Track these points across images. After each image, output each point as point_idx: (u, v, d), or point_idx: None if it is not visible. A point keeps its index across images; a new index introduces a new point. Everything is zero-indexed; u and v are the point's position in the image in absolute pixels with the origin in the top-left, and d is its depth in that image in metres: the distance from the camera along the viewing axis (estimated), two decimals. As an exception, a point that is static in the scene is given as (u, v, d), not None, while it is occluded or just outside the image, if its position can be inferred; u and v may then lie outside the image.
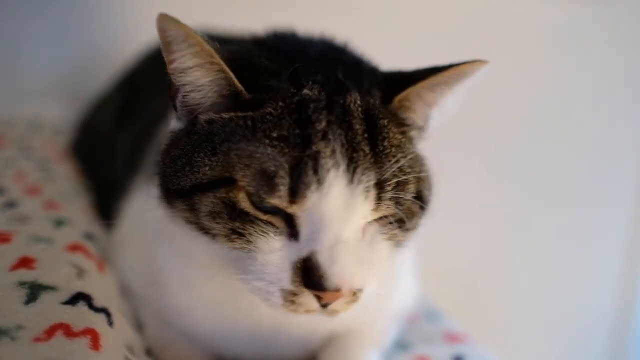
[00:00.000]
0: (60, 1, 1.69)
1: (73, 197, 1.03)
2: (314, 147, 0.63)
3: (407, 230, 0.69)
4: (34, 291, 0.70)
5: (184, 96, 0.70)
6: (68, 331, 0.65)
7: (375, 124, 0.67)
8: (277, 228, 0.65)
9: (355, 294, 0.66)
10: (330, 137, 0.64)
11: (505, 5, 1.84)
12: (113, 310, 0.75)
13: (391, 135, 0.68)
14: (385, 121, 0.69)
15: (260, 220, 0.65)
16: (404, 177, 0.66)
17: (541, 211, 1.97)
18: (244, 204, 0.65)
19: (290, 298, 0.65)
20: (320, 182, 0.62)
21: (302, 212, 0.63)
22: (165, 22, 0.63)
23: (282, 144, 0.63)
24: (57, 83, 1.65)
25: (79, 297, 0.72)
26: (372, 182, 0.64)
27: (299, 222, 0.64)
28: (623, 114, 2.02)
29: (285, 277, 0.65)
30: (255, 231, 0.65)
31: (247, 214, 0.65)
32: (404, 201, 0.67)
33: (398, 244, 0.70)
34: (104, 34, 1.67)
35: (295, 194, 0.62)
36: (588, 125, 1.99)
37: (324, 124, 0.65)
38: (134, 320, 0.85)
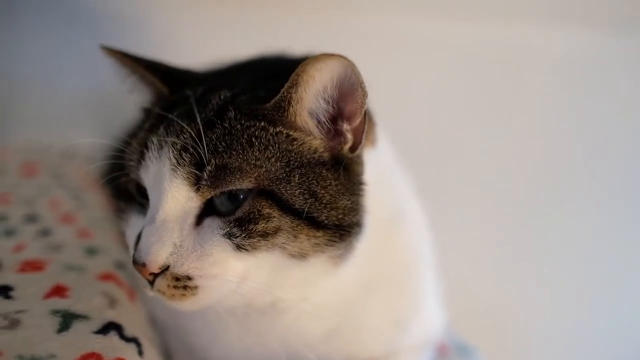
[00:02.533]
0: (95, 30, 1.73)
1: (105, 226, 1.04)
2: (156, 132, 0.71)
3: (252, 233, 0.67)
4: (67, 320, 0.71)
5: None
6: (100, 361, 0.65)
7: (222, 116, 0.70)
8: (144, 208, 0.73)
9: (179, 280, 0.67)
10: (173, 123, 0.70)
11: (520, 32, 1.84)
12: (143, 339, 0.76)
13: (232, 126, 0.69)
14: (233, 114, 0.70)
15: (136, 200, 0.76)
16: (229, 163, 0.67)
17: (571, 238, 1.94)
18: (130, 186, 0.76)
19: (135, 273, 0.70)
20: (147, 159, 0.71)
21: (146, 187, 0.71)
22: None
23: (144, 131, 0.74)
24: (91, 111, 1.68)
25: (110, 327, 0.73)
26: (185, 162, 0.67)
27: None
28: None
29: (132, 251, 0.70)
30: (130, 209, 0.77)
31: (130, 194, 0.77)
32: (226, 185, 0.67)
33: (240, 247, 0.68)
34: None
35: (138, 171, 0.71)
36: (615, 147, 1.96)
37: (175, 113, 0.71)
38: (163, 349, 0.85)
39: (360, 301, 0.81)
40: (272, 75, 0.77)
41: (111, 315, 0.75)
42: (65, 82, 1.68)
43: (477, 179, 1.80)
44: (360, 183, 0.74)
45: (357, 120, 0.72)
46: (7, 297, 0.74)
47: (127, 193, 0.78)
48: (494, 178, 1.83)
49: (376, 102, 0.80)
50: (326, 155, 0.72)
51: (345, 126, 0.72)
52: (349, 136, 0.72)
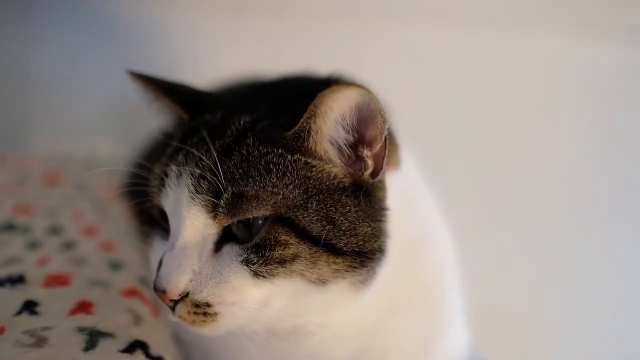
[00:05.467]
0: (116, 39, 1.73)
1: (128, 239, 1.03)
2: (176, 158, 0.72)
3: (269, 260, 0.66)
4: (93, 338, 0.70)
5: None
6: (127, 381, 0.64)
7: (240, 142, 0.69)
8: (167, 233, 0.73)
9: (199, 307, 0.67)
10: (192, 149, 0.70)
11: (531, 42, 1.83)
12: (168, 358, 0.75)
13: (250, 153, 0.69)
14: (251, 140, 0.69)
15: (160, 225, 0.75)
16: (246, 190, 0.66)
17: (591, 251, 1.92)
18: (154, 210, 0.76)
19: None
20: (167, 187, 0.71)
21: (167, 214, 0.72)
22: None
23: (166, 157, 0.75)
24: (112, 121, 1.69)
25: (136, 345, 0.72)
26: (203, 190, 0.67)
27: None
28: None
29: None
30: (154, 233, 0.77)
31: (154, 220, 0.77)
32: (244, 214, 0.66)
33: (257, 273, 0.67)
34: (160, 72, 1.70)
35: (160, 197, 0.72)
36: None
37: (195, 139, 0.72)
38: (186, 368, 0.84)
39: (386, 324, 0.80)
40: (295, 99, 0.76)
41: (137, 333, 0.74)
42: (84, 90, 1.69)
43: (484, 183, 1.79)
44: (383, 209, 0.73)
45: (378, 146, 0.71)
46: (33, 312, 0.74)
47: (150, 218, 0.79)
48: (501, 183, 1.82)
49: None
50: (346, 180, 0.71)
51: (366, 152, 0.71)
52: (370, 162, 0.71)
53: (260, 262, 0.67)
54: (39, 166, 1.26)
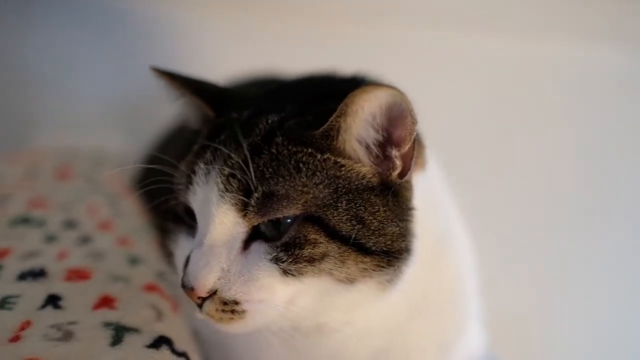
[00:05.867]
0: (123, 33, 1.72)
1: (143, 234, 1.04)
2: (204, 156, 0.72)
3: (298, 258, 0.67)
4: (118, 333, 0.70)
5: None
6: (156, 376, 0.64)
7: (269, 141, 0.69)
8: (193, 230, 0.73)
9: (227, 304, 0.67)
10: (220, 147, 0.70)
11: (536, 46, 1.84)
12: (192, 354, 0.75)
13: (280, 152, 0.69)
14: (280, 139, 0.69)
15: (186, 222, 0.75)
16: (276, 190, 0.66)
17: (596, 250, 1.92)
18: (179, 208, 0.76)
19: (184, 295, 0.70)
20: (194, 184, 0.71)
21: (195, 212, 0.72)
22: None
23: (192, 155, 0.75)
24: (114, 116, 1.68)
25: (161, 341, 0.72)
26: (233, 188, 0.67)
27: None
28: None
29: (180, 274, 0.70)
30: (179, 230, 0.77)
31: (179, 217, 0.77)
32: (274, 213, 0.66)
33: (287, 271, 0.67)
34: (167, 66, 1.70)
35: (187, 194, 0.72)
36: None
37: (222, 137, 0.72)
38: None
39: (408, 323, 0.80)
40: (321, 98, 0.76)
41: (160, 329, 0.74)
42: (86, 86, 1.68)
43: (486, 185, 1.79)
44: (409, 208, 0.73)
45: (406, 147, 0.71)
46: (57, 306, 0.74)
47: (175, 214, 0.79)
48: (503, 186, 1.82)
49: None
50: (374, 180, 0.71)
51: (394, 152, 0.71)
52: (398, 162, 0.71)
53: (290, 260, 0.67)
54: (50, 161, 1.26)
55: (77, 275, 0.81)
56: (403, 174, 0.72)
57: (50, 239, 0.92)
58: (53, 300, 0.75)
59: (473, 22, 1.84)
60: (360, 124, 0.69)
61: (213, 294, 0.68)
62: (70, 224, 0.98)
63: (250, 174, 0.67)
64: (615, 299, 1.91)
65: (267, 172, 0.68)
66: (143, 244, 1.00)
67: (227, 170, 0.69)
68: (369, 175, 0.71)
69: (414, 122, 0.69)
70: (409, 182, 0.74)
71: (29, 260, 0.84)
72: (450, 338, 0.86)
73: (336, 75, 0.85)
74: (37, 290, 0.77)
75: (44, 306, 0.74)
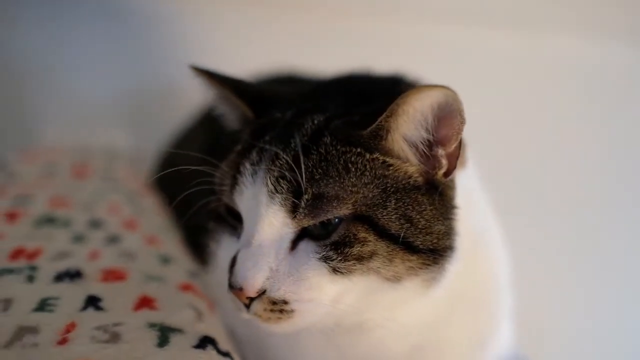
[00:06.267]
0: (128, 31, 1.70)
1: (168, 233, 1.03)
2: (249, 156, 0.71)
3: (348, 256, 0.67)
4: (164, 333, 0.70)
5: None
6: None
7: (317, 141, 0.69)
8: (236, 230, 0.74)
9: (276, 304, 0.67)
10: (266, 148, 0.70)
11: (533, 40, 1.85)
12: (234, 354, 0.74)
13: (328, 152, 0.69)
14: (328, 139, 0.69)
15: (228, 222, 0.75)
16: (326, 191, 0.66)
17: (593, 235, 1.94)
18: (221, 208, 0.76)
19: (230, 294, 0.70)
20: (241, 185, 0.70)
21: (240, 211, 0.72)
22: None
23: (235, 155, 0.74)
24: (122, 112, 1.67)
25: (206, 341, 0.71)
26: (283, 190, 0.67)
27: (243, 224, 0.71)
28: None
29: (226, 274, 0.71)
30: (222, 230, 0.78)
31: (222, 217, 0.77)
32: (325, 214, 0.66)
33: (336, 270, 0.67)
34: (172, 64, 1.68)
35: (232, 195, 0.71)
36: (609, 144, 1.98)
37: (267, 137, 0.72)
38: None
39: (445, 320, 0.81)
40: (363, 97, 0.77)
41: (203, 329, 0.74)
42: (91, 83, 1.66)
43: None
44: (453, 207, 0.73)
45: (453, 146, 0.71)
46: (98, 308, 0.73)
47: (217, 214, 0.78)
48: (502, 181, 1.82)
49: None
50: (420, 180, 0.71)
51: (440, 151, 0.71)
52: (444, 161, 0.72)
53: (339, 258, 0.67)
54: (66, 159, 1.24)
55: (113, 275, 0.80)
56: (448, 173, 0.72)
57: (78, 239, 0.91)
58: (93, 302, 0.74)
59: (465, 16, 1.84)
60: (411, 124, 0.69)
61: (262, 294, 0.68)
62: (95, 224, 0.96)
63: (302, 175, 0.66)
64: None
65: (316, 173, 0.68)
66: (170, 243, 0.99)
67: (276, 171, 0.69)
68: (415, 175, 0.71)
69: (463, 122, 0.69)
70: (452, 181, 0.74)
71: (61, 261, 0.83)
72: (485, 334, 0.86)
73: (373, 74, 0.85)
74: (76, 292, 0.76)
75: (85, 308, 0.73)
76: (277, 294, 0.68)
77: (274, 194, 0.68)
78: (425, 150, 0.71)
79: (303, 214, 0.67)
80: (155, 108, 1.64)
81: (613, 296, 1.91)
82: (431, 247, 0.70)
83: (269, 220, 0.68)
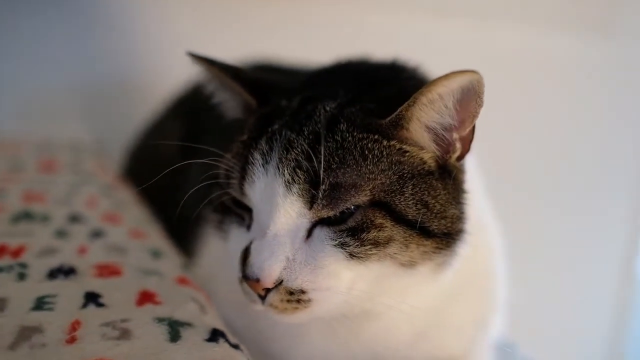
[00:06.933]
0: (83, 24, 1.63)
1: (150, 225, 1.00)
2: (257, 146, 0.69)
3: (364, 242, 0.66)
4: (174, 328, 0.68)
5: None
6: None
7: (332, 128, 0.68)
8: (244, 220, 0.72)
9: (293, 294, 0.66)
10: (276, 137, 0.69)
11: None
12: (241, 345, 0.73)
13: (344, 139, 0.68)
14: (345, 126, 0.68)
15: (234, 212, 0.73)
16: (344, 180, 0.65)
17: (539, 219, 1.99)
18: (226, 199, 0.74)
19: (242, 286, 0.69)
20: (252, 175, 0.68)
21: (249, 202, 0.70)
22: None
23: (242, 145, 0.72)
24: (82, 105, 1.60)
25: (217, 334, 0.69)
26: (300, 180, 0.66)
27: (253, 215, 0.70)
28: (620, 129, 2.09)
29: (238, 265, 0.69)
30: (229, 221, 0.75)
31: (227, 207, 0.74)
32: (343, 204, 0.65)
33: (353, 255, 0.66)
34: (125, 57, 1.63)
35: (241, 186, 0.69)
36: (588, 139, 2.04)
37: (276, 126, 0.70)
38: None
39: (447, 304, 0.81)
40: (369, 84, 0.76)
41: (210, 322, 0.72)
42: (52, 75, 1.58)
43: None
44: (464, 191, 0.74)
45: (467, 130, 0.71)
46: (99, 304, 0.70)
47: (223, 206, 0.76)
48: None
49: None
50: (433, 165, 0.71)
51: (455, 135, 0.71)
52: (458, 145, 0.72)
53: (357, 244, 0.66)
54: (29, 153, 1.19)
55: (108, 271, 0.77)
56: (461, 156, 0.72)
57: (61, 234, 0.87)
58: (93, 298, 0.71)
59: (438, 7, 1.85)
60: (434, 112, 0.68)
61: (278, 284, 0.66)
62: (75, 218, 0.93)
63: (319, 164, 0.65)
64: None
65: (333, 162, 0.66)
66: (155, 236, 0.96)
67: (292, 161, 0.67)
68: (430, 161, 0.71)
69: (481, 104, 0.68)
70: (463, 165, 0.74)
71: (50, 257, 0.79)
72: (485, 316, 0.87)
73: (371, 61, 0.84)
74: (72, 289, 0.72)
75: (85, 305, 0.69)
76: (295, 283, 0.66)
77: (290, 184, 0.66)
78: (442, 136, 0.71)
79: (321, 205, 0.65)
80: (112, 100, 1.58)
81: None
82: (445, 231, 0.70)
83: (285, 211, 0.67)
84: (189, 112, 1.20)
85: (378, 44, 0.96)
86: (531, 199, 1.91)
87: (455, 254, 0.72)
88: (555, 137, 1.95)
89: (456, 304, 0.82)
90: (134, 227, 0.94)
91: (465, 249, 0.73)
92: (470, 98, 0.67)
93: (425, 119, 0.69)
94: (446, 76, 0.65)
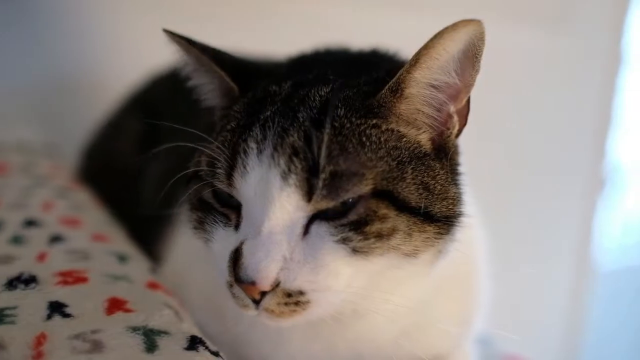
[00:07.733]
0: (35, 23, 1.55)
1: (112, 228, 0.94)
2: (251, 133, 0.64)
3: (368, 235, 0.61)
4: (149, 338, 0.63)
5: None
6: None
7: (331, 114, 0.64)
8: (230, 220, 0.66)
9: (291, 296, 0.62)
10: (269, 124, 0.64)
11: None
12: (221, 353, 0.68)
13: (343, 125, 0.63)
14: (343, 111, 0.64)
15: (217, 210, 0.67)
16: (345, 168, 0.61)
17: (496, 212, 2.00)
18: (206, 194, 0.67)
19: (231, 291, 0.64)
20: (244, 166, 0.63)
21: (239, 196, 0.64)
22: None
23: (229, 134, 0.66)
24: (29, 107, 1.52)
25: (195, 341, 0.65)
26: (297, 169, 0.61)
27: (242, 212, 0.64)
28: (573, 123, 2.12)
29: (226, 268, 0.63)
30: (212, 220, 0.67)
31: (208, 204, 0.68)
32: (344, 194, 0.60)
33: (356, 250, 0.61)
34: (78, 55, 1.56)
35: (230, 177, 0.63)
36: (542, 131, 2.06)
37: (268, 113, 0.65)
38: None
39: (432, 301, 0.78)
40: (357, 69, 0.71)
41: (187, 329, 0.67)
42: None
43: None
44: (460, 173, 0.70)
45: (464, 101, 0.67)
46: (65, 315, 0.64)
47: (202, 202, 0.70)
48: None
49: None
50: (429, 146, 0.67)
51: (452, 108, 0.67)
52: (455, 119, 0.68)
53: (360, 238, 0.61)
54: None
55: (73, 278, 0.72)
56: (459, 131, 0.69)
57: (17, 240, 0.81)
58: (58, 308, 0.65)
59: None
60: (435, 71, 0.64)
61: (275, 286, 0.61)
62: (31, 223, 0.87)
63: (320, 150, 0.60)
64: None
65: (333, 149, 0.61)
66: (119, 239, 0.91)
67: (288, 149, 0.61)
68: (426, 143, 0.67)
69: (478, 71, 0.65)
70: (458, 146, 0.71)
71: (7, 265, 0.74)
72: (469, 312, 0.85)
73: (353, 49, 0.80)
74: (34, 299, 0.67)
75: (50, 316, 0.64)
76: (294, 284, 0.61)
77: (287, 174, 0.61)
78: (438, 108, 0.67)
79: (321, 196, 0.60)
80: (64, 100, 1.50)
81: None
82: (447, 213, 0.66)
83: (281, 204, 0.61)
84: (147, 106, 1.14)
85: (355, 39, 0.93)
86: (487, 192, 1.90)
87: (453, 239, 0.68)
88: (508, 129, 1.96)
89: (440, 301, 0.79)
90: (95, 231, 0.89)
91: (462, 234, 0.70)
92: (469, 60, 0.64)
93: (426, 80, 0.65)
94: (453, 26, 0.60)
